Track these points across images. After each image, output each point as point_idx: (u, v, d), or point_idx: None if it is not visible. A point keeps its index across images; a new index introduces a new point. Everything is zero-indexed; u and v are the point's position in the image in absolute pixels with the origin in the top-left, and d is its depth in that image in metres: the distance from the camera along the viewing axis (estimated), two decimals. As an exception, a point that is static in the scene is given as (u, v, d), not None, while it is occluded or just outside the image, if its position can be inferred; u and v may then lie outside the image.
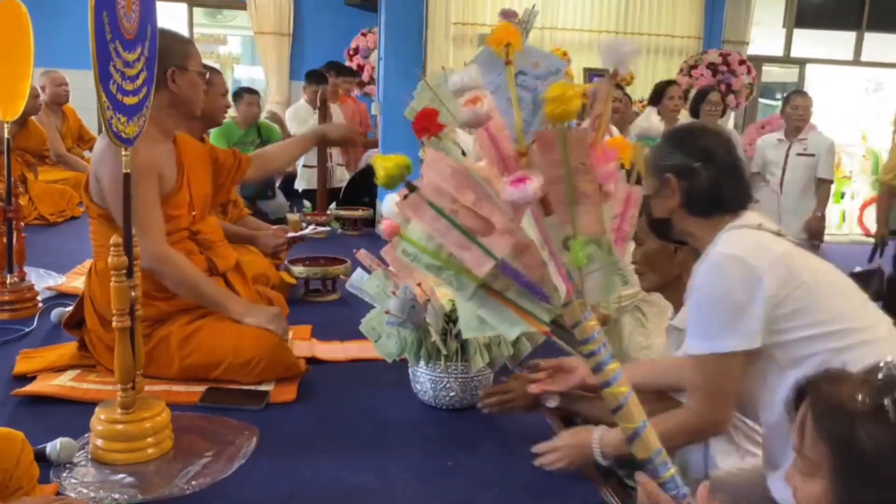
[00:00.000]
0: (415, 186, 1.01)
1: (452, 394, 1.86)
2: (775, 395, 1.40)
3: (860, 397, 0.86)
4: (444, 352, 1.80)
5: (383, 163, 1.01)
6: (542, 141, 1.03)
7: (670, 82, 5.08)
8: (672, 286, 1.92)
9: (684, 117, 4.87)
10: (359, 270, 1.94)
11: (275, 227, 3.12)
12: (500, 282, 1.03)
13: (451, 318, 1.78)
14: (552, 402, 1.70)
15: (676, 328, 1.89)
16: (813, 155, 4.57)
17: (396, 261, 1.82)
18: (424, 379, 1.87)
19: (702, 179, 1.50)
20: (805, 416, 0.91)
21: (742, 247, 1.42)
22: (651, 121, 4.78)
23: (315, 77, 5.63)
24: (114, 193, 1.87)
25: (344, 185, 5.23)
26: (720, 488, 1.56)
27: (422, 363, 1.84)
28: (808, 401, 0.92)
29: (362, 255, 1.97)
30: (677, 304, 1.92)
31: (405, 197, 1.02)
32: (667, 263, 1.91)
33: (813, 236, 4.56)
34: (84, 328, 2.02)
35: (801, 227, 4.55)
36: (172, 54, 2.02)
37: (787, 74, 8.97)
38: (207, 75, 2.19)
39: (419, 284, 1.77)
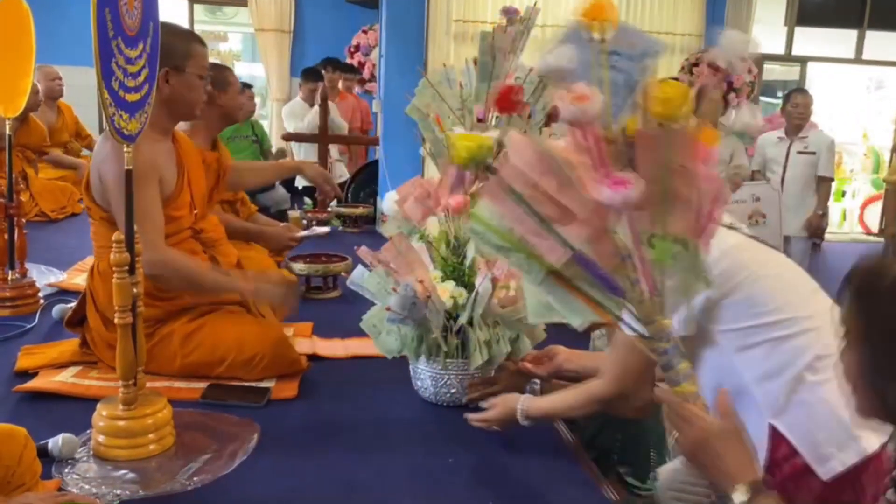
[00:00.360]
0: (494, 170, 0.99)
1: (453, 390, 1.87)
2: (724, 381, 1.41)
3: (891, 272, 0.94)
4: (444, 349, 1.80)
5: (465, 142, 0.99)
6: (643, 141, 1.00)
7: (673, 80, 5.06)
8: None
9: None
10: (359, 267, 1.95)
11: (282, 224, 3.15)
12: (571, 269, 1.01)
13: (451, 314, 1.78)
14: (535, 392, 1.78)
15: None
16: (814, 153, 4.60)
17: (398, 258, 1.83)
18: (425, 376, 1.87)
19: None
20: (845, 289, 0.98)
21: None
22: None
23: (311, 74, 5.62)
24: (118, 194, 1.86)
25: (345, 181, 5.23)
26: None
27: (422, 360, 1.85)
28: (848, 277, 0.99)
29: (363, 252, 1.98)
30: None
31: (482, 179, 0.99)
32: None
33: (814, 234, 4.58)
34: (85, 326, 2.02)
35: (801, 224, 4.58)
36: (172, 54, 1.96)
37: (788, 72, 8.96)
38: (208, 77, 2.13)
39: (421, 281, 1.77)
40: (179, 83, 2.01)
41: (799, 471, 1.32)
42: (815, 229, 4.61)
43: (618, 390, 1.54)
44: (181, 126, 2.81)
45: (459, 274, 1.82)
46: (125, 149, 1.53)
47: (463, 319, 1.77)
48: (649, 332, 1.06)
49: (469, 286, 1.80)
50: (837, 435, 1.30)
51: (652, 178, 0.99)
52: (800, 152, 4.64)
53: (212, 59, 2.28)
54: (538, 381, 1.83)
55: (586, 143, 0.98)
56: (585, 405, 1.59)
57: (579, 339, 4.16)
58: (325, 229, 3.41)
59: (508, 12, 2.27)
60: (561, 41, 1.08)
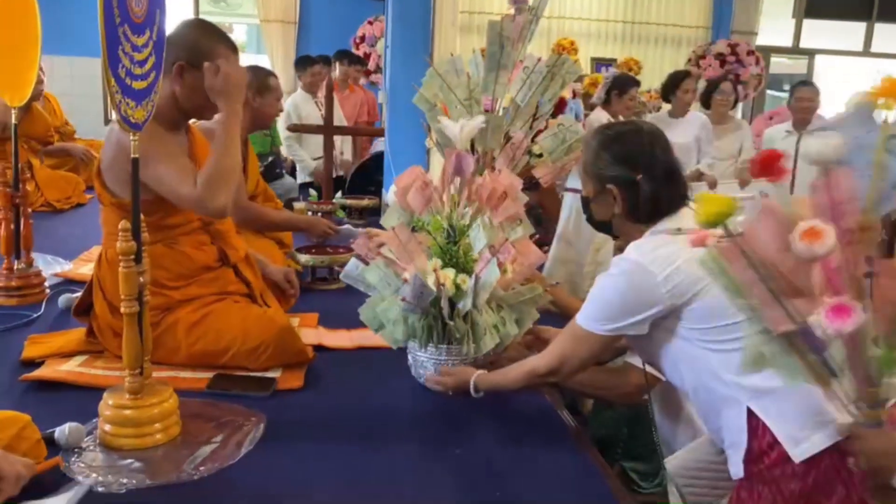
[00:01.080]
0: (732, 232, 1.02)
1: None
2: (700, 374, 1.49)
3: None
4: (457, 335, 1.80)
5: (709, 204, 1.02)
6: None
7: (685, 73, 4.93)
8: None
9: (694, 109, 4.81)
10: (353, 260, 1.94)
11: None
12: (793, 338, 1.04)
13: (454, 301, 1.78)
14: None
15: None
16: None
17: (400, 248, 1.82)
18: (428, 364, 1.88)
19: (643, 191, 1.58)
20: None
21: (647, 253, 1.53)
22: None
23: (306, 61, 5.56)
24: (148, 172, 1.83)
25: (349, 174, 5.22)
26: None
27: (426, 348, 1.85)
28: None
29: (360, 244, 1.96)
30: None
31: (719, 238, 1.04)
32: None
33: None
34: (92, 314, 2.02)
35: None
36: (193, 49, 1.90)
37: (795, 66, 8.92)
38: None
39: (434, 269, 1.75)
40: (192, 79, 1.93)
41: (782, 458, 1.32)
42: None
43: (552, 369, 1.66)
44: (209, 123, 2.79)
45: (458, 261, 1.82)
46: (131, 137, 1.52)
47: (468, 305, 1.77)
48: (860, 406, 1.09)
49: (468, 272, 1.80)
50: (811, 417, 1.32)
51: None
52: None
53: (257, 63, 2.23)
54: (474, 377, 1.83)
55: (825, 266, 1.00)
56: (524, 379, 1.72)
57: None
58: (362, 230, 3.41)
59: (517, 1, 2.26)
60: (844, 118, 1.11)
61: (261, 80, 2.94)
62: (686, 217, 1.57)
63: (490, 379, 1.79)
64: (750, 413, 1.38)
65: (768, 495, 1.36)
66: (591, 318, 1.59)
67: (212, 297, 2.03)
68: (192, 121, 2.15)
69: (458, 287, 1.77)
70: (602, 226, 1.71)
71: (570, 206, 4.67)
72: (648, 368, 1.72)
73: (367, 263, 1.90)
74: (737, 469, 1.42)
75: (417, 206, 1.89)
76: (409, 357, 1.94)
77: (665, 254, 1.50)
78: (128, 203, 1.89)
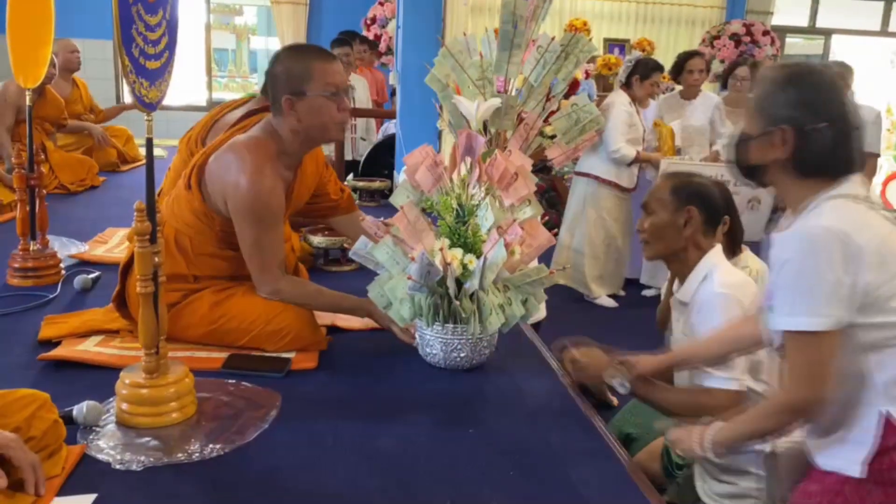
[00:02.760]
0: None
1: (462, 354, 1.88)
2: (848, 373, 1.36)
3: None
4: (463, 314, 1.81)
5: None
6: None
7: (692, 53, 4.86)
8: (677, 258, 1.96)
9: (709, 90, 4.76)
10: (362, 238, 1.94)
11: None
12: None
13: (461, 281, 1.79)
14: (622, 388, 1.81)
15: (680, 301, 1.94)
16: None
17: (408, 227, 1.81)
18: (434, 342, 1.89)
19: (821, 141, 1.38)
20: None
21: (846, 221, 1.34)
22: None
23: (338, 43, 5.54)
24: (246, 225, 1.92)
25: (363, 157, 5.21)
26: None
27: (433, 326, 1.86)
28: None
29: (368, 223, 1.97)
30: (680, 276, 1.96)
31: None
32: (675, 236, 1.94)
33: None
34: (129, 280, 1.99)
35: None
36: (290, 79, 1.90)
37: (811, 46, 8.81)
38: (342, 92, 1.95)
39: (441, 249, 1.76)
40: (304, 108, 1.90)
41: None
42: None
43: (813, 397, 1.35)
44: (237, 115, 2.76)
45: (466, 241, 1.82)
46: (146, 118, 1.52)
47: (475, 285, 1.77)
48: None
49: (476, 252, 1.80)
50: None
51: None
52: None
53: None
54: (624, 379, 1.82)
55: None
56: (773, 416, 1.42)
57: (583, 308, 4.14)
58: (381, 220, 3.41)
59: None
60: None
61: None
62: (858, 185, 1.41)
63: (723, 435, 1.49)
64: (887, 417, 1.32)
65: (880, 496, 1.32)
66: (800, 314, 1.33)
67: (238, 279, 2.05)
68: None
69: (465, 267, 1.78)
70: (751, 171, 1.50)
71: (581, 191, 4.65)
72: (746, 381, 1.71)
73: (376, 242, 1.91)
74: (846, 464, 1.36)
75: (426, 184, 1.88)
76: (417, 335, 1.95)
77: (867, 221, 1.34)
78: (212, 213, 1.97)
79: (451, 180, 1.90)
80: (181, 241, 1.99)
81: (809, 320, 1.31)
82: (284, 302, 1.98)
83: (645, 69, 4.48)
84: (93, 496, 1.28)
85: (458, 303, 1.80)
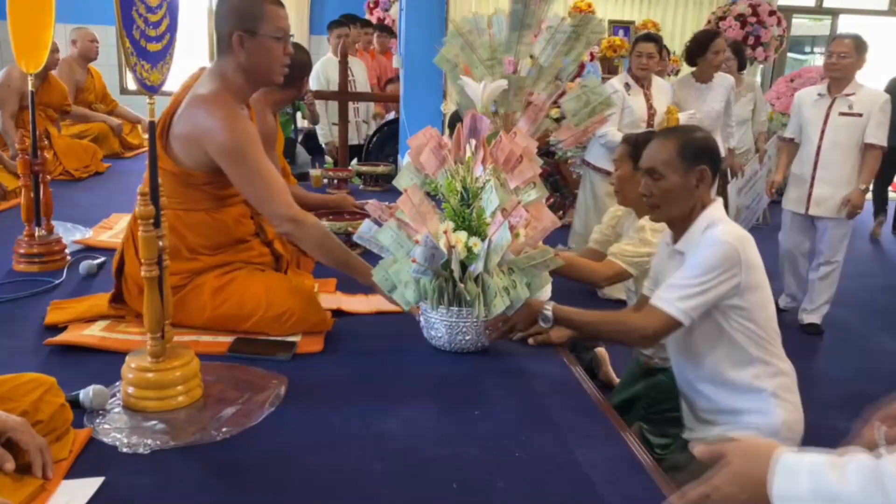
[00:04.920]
0: None
1: (468, 337, 1.89)
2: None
3: None
4: (467, 297, 1.80)
5: None
6: None
7: (715, 33, 4.52)
8: (682, 215, 1.94)
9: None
10: (366, 222, 1.94)
11: (339, 192, 3.29)
12: None
13: (466, 264, 1.79)
14: (547, 321, 1.92)
15: (678, 251, 1.94)
16: (860, 115, 3.85)
17: (413, 210, 1.81)
18: (439, 325, 1.89)
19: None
20: None
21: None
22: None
23: (336, 24, 5.50)
24: (235, 164, 1.88)
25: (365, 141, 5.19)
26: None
27: (438, 309, 1.86)
28: None
29: (373, 206, 1.96)
30: (680, 229, 1.96)
31: None
32: (687, 198, 1.92)
33: (851, 215, 3.93)
34: (123, 274, 2.01)
35: (839, 203, 3.92)
36: (243, 16, 1.90)
37: (818, 27, 8.73)
38: (288, 38, 1.99)
39: (445, 232, 1.76)
40: (254, 47, 1.91)
41: None
42: (854, 209, 3.88)
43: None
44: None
45: (470, 224, 1.82)
46: (148, 101, 1.51)
47: (480, 268, 1.77)
48: None
49: (481, 235, 1.79)
50: None
51: None
52: (842, 113, 3.88)
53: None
54: (549, 308, 1.92)
55: None
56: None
57: (592, 300, 4.13)
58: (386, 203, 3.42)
59: None
60: None
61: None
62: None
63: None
64: None
65: None
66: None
67: (239, 262, 2.05)
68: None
69: (469, 250, 1.77)
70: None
71: (584, 180, 4.62)
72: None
73: (380, 225, 1.90)
74: None
75: (431, 167, 1.87)
76: (421, 319, 1.94)
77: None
78: (189, 172, 1.93)
79: (456, 162, 1.89)
80: (170, 218, 1.97)
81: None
82: (302, 236, 1.93)
83: (633, 44, 4.32)
84: (100, 479, 1.28)
85: (462, 286, 1.80)
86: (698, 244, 1.86)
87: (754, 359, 1.84)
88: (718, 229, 1.85)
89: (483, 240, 1.78)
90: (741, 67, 5.25)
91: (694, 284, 1.79)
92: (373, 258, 1.99)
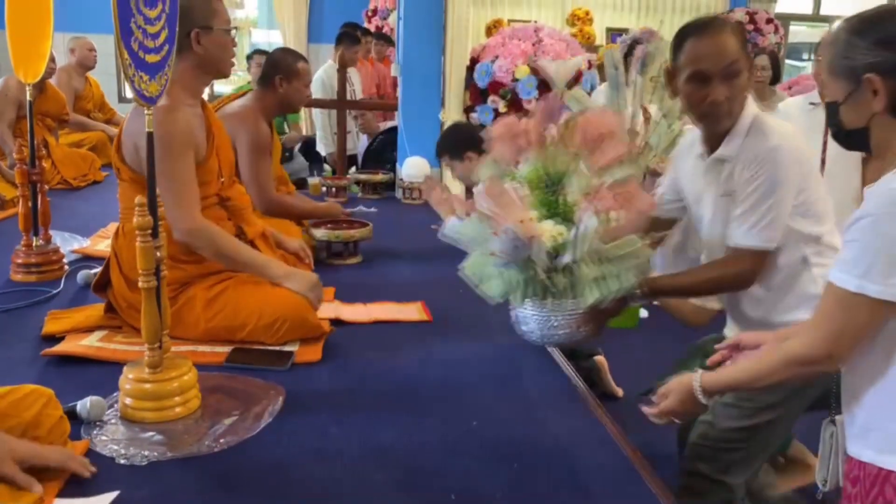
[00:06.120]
0: None
1: (561, 331, 1.77)
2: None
3: None
4: (553, 289, 1.70)
5: None
6: None
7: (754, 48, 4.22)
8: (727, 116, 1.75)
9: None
10: (452, 220, 1.86)
11: (328, 200, 3.24)
12: None
13: (553, 254, 1.67)
14: (638, 299, 1.79)
15: (720, 159, 1.76)
16: None
17: (495, 202, 1.67)
18: (530, 319, 1.78)
19: None
20: None
21: (784, 136, 1.33)
22: None
23: (349, 37, 5.49)
24: (160, 161, 1.82)
25: (358, 151, 5.19)
26: None
27: (528, 303, 1.76)
28: None
29: (452, 199, 1.84)
30: (717, 137, 1.76)
31: None
32: (743, 95, 1.75)
33: None
34: (110, 290, 2.03)
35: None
36: (195, 15, 1.97)
37: (815, 34, 8.75)
38: (234, 32, 2.14)
39: (521, 222, 1.63)
40: (209, 42, 2.01)
41: None
42: None
43: (827, 352, 1.26)
44: (234, 107, 2.87)
45: (557, 212, 1.70)
46: (146, 111, 1.52)
47: (567, 258, 1.65)
48: None
49: (569, 223, 1.67)
50: None
51: None
52: None
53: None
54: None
55: None
56: (780, 370, 1.32)
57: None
58: (373, 209, 3.42)
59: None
60: None
61: (290, 65, 2.95)
62: None
63: (722, 379, 1.41)
64: None
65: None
66: (860, 275, 1.20)
67: (227, 272, 2.04)
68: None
69: (556, 240, 1.65)
70: (855, 138, 1.33)
71: None
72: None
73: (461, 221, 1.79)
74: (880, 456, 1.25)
75: (510, 156, 1.77)
76: (512, 314, 1.84)
77: None
78: (145, 178, 1.90)
79: (537, 149, 1.76)
80: None
81: (876, 287, 1.18)
82: (202, 246, 1.95)
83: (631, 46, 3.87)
84: (113, 494, 1.27)
85: (549, 277, 1.68)
86: (752, 158, 1.68)
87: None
88: (764, 133, 1.67)
89: (570, 227, 1.64)
90: (775, 80, 4.54)
91: (764, 210, 1.66)
92: (372, 269, 1.98)
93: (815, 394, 1.70)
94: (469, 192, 3.72)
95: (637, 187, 1.71)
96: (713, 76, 1.67)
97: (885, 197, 1.19)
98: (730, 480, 1.79)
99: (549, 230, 1.65)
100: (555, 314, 1.75)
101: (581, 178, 1.70)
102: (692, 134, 1.88)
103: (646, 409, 1.49)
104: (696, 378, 1.41)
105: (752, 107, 1.75)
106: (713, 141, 1.77)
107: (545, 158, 1.75)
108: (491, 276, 1.74)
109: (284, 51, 3.23)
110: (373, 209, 3.24)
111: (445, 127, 3.74)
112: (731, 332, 1.93)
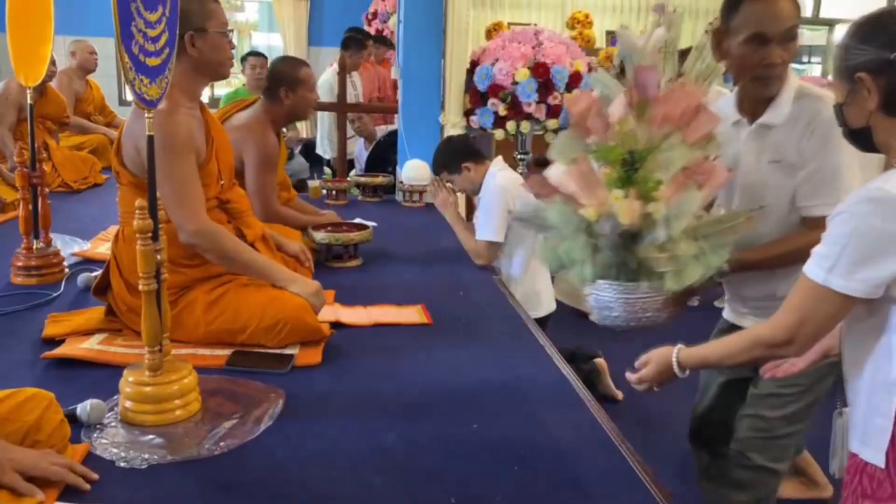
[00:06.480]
0: None
1: (648, 314, 1.70)
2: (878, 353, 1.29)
3: None
4: (652, 269, 1.63)
5: None
6: None
7: None
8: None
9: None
10: (524, 202, 1.77)
11: (328, 211, 3.24)
12: None
13: (646, 233, 1.62)
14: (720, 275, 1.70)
15: (765, 125, 1.77)
16: None
17: (581, 181, 1.64)
18: (615, 303, 1.69)
19: None
20: None
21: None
22: None
23: (355, 42, 5.49)
24: (160, 163, 1.85)
25: (356, 156, 5.20)
26: None
27: (612, 287, 1.69)
28: None
29: (534, 181, 1.77)
30: (764, 102, 1.78)
31: None
32: None
33: None
34: (110, 294, 2.03)
35: None
36: (190, 17, 1.96)
37: (815, 37, 8.76)
38: (231, 33, 2.12)
39: (618, 199, 1.59)
40: (205, 45, 2.01)
41: None
42: None
43: (788, 337, 1.32)
44: (242, 118, 2.87)
45: (640, 189, 1.62)
46: (146, 115, 1.52)
47: (662, 236, 1.60)
48: None
49: (653, 200, 1.60)
50: None
51: None
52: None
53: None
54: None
55: None
56: (747, 350, 1.40)
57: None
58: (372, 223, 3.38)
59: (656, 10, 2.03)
60: None
61: (292, 74, 2.95)
62: None
63: (699, 353, 1.50)
64: None
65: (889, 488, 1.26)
66: (830, 270, 1.24)
67: (228, 275, 2.04)
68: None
69: (648, 217, 1.59)
70: (860, 137, 1.35)
71: None
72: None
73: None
74: (873, 454, 1.28)
75: (599, 130, 1.69)
76: (591, 300, 1.74)
77: None
78: (145, 182, 1.91)
79: (621, 124, 1.69)
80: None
81: (840, 281, 1.23)
82: (208, 248, 1.95)
83: None
84: None
85: (645, 257, 1.61)
86: (807, 123, 1.68)
87: None
88: (812, 96, 1.68)
89: (657, 204, 1.58)
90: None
91: (834, 179, 1.66)
92: (372, 271, 1.98)
93: (831, 380, 1.75)
94: (471, 201, 3.72)
95: (711, 162, 1.67)
96: (772, 38, 1.66)
97: (860, 194, 1.23)
98: (781, 468, 1.82)
99: (637, 208, 1.57)
100: (643, 297, 1.67)
101: (676, 151, 1.61)
102: (720, 100, 1.85)
103: (628, 375, 1.60)
104: (674, 351, 1.51)
105: (794, 75, 1.75)
106: (755, 106, 1.75)
107: (623, 136, 1.67)
108: (582, 261, 1.67)
109: (285, 60, 3.23)
110: (373, 224, 3.21)
111: (439, 142, 3.68)
112: (730, 315, 1.94)
